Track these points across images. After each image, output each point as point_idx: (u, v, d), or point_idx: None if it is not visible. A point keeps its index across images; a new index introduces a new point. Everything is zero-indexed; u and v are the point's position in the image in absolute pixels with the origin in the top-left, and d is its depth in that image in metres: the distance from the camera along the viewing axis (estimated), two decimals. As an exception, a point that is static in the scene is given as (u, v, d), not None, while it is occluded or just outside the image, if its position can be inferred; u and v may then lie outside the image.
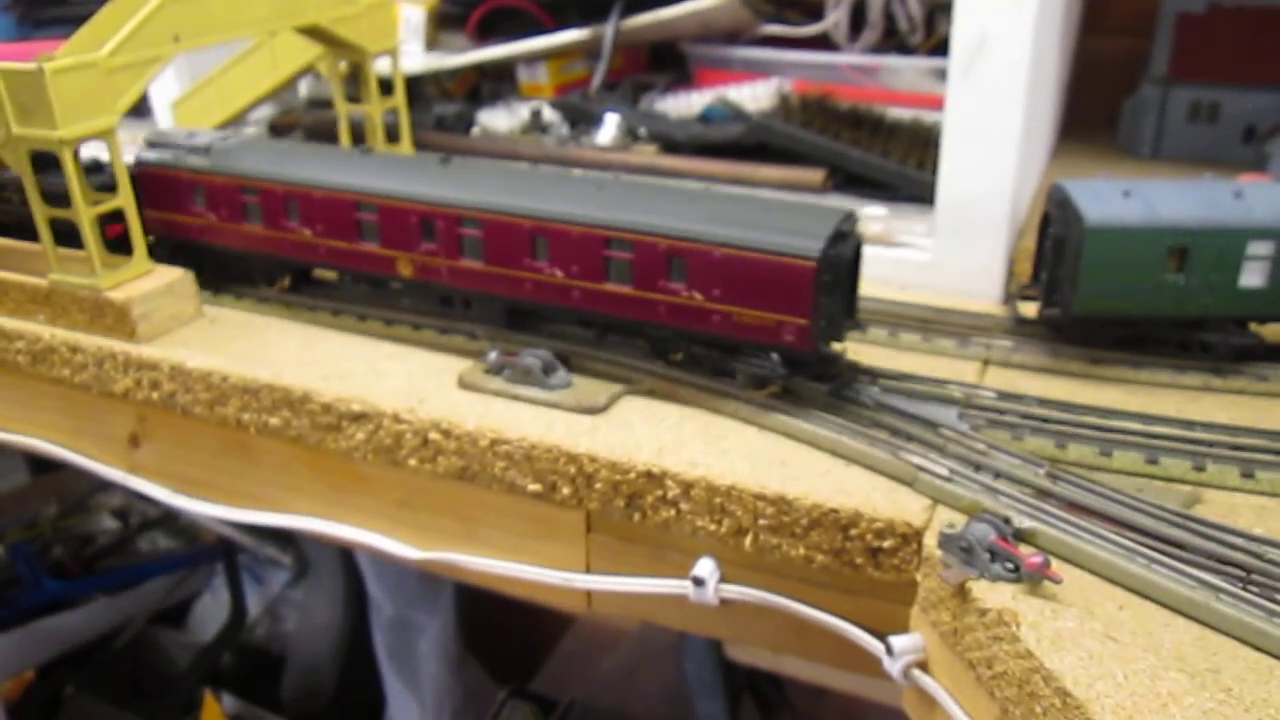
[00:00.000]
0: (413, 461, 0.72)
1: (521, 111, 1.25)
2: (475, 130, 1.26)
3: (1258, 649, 0.49)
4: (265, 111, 1.36)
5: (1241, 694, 0.46)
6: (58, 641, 1.73)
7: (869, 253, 0.92)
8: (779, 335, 0.67)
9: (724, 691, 1.53)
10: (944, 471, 0.61)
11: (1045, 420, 0.67)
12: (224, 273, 0.90)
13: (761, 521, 0.62)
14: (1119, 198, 0.72)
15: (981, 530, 0.54)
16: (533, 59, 1.31)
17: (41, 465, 1.89)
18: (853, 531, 0.60)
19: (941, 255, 0.89)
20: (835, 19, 1.22)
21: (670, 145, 1.15)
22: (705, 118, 1.18)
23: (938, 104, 0.87)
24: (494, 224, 0.74)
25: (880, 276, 0.92)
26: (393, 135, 1.09)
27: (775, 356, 0.70)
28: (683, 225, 0.68)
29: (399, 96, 1.07)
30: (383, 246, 0.80)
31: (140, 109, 1.26)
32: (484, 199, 0.75)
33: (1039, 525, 0.56)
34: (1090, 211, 0.70)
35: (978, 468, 0.62)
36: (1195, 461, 0.63)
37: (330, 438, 0.75)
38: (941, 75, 0.99)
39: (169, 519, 1.94)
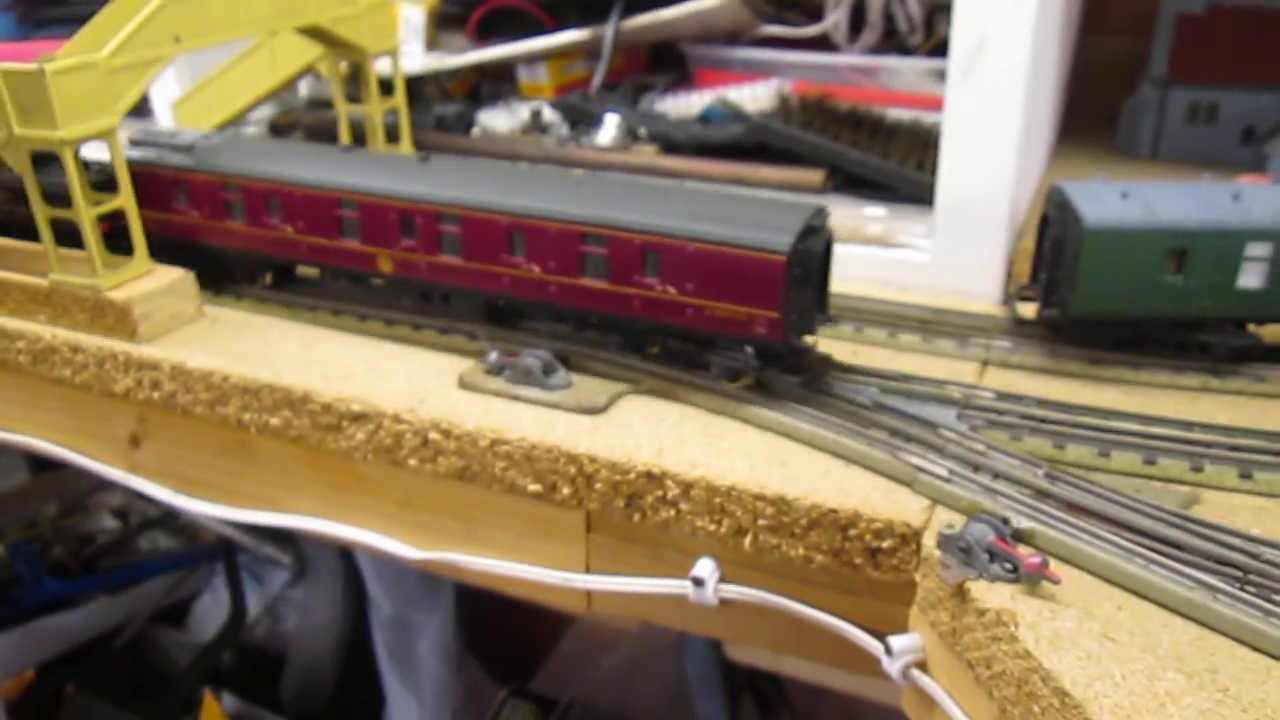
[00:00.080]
0: (413, 461, 0.72)
1: (522, 112, 1.25)
2: (475, 130, 1.26)
3: (1255, 649, 0.49)
4: (266, 112, 1.36)
5: (1239, 694, 0.46)
6: (58, 640, 1.73)
7: (868, 254, 0.93)
8: (751, 328, 0.68)
9: (724, 691, 1.54)
10: (943, 472, 0.62)
11: (1044, 421, 0.68)
12: (207, 270, 0.90)
13: (761, 522, 0.62)
14: (1117, 199, 0.72)
15: (980, 531, 0.54)
16: (533, 59, 1.31)
17: (41, 465, 1.89)
18: (852, 532, 0.60)
19: (941, 256, 0.89)
20: (835, 20, 1.22)
21: (670, 146, 1.15)
22: (705, 118, 1.18)
23: (937, 105, 0.87)
24: (472, 220, 0.76)
25: (880, 277, 0.92)
26: (393, 135, 1.09)
27: (749, 350, 0.71)
28: (656, 221, 0.69)
29: (399, 97, 1.07)
30: (363, 243, 0.81)
31: (141, 109, 1.26)
32: (462, 196, 0.76)
33: (1037, 526, 0.57)
34: (1089, 213, 0.71)
35: (976, 468, 0.62)
36: (1193, 462, 0.63)
37: (331, 438, 0.75)
38: (941, 76, 0.99)
39: (169, 518, 1.94)
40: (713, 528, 0.64)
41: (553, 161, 1.15)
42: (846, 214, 0.97)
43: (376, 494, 0.79)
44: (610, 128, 1.18)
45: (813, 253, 0.67)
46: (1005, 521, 0.56)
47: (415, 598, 1.72)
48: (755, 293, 0.67)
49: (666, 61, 1.43)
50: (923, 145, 1.04)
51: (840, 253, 0.94)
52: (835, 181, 1.05)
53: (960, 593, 0.54)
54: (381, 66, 1.05)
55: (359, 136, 1.08)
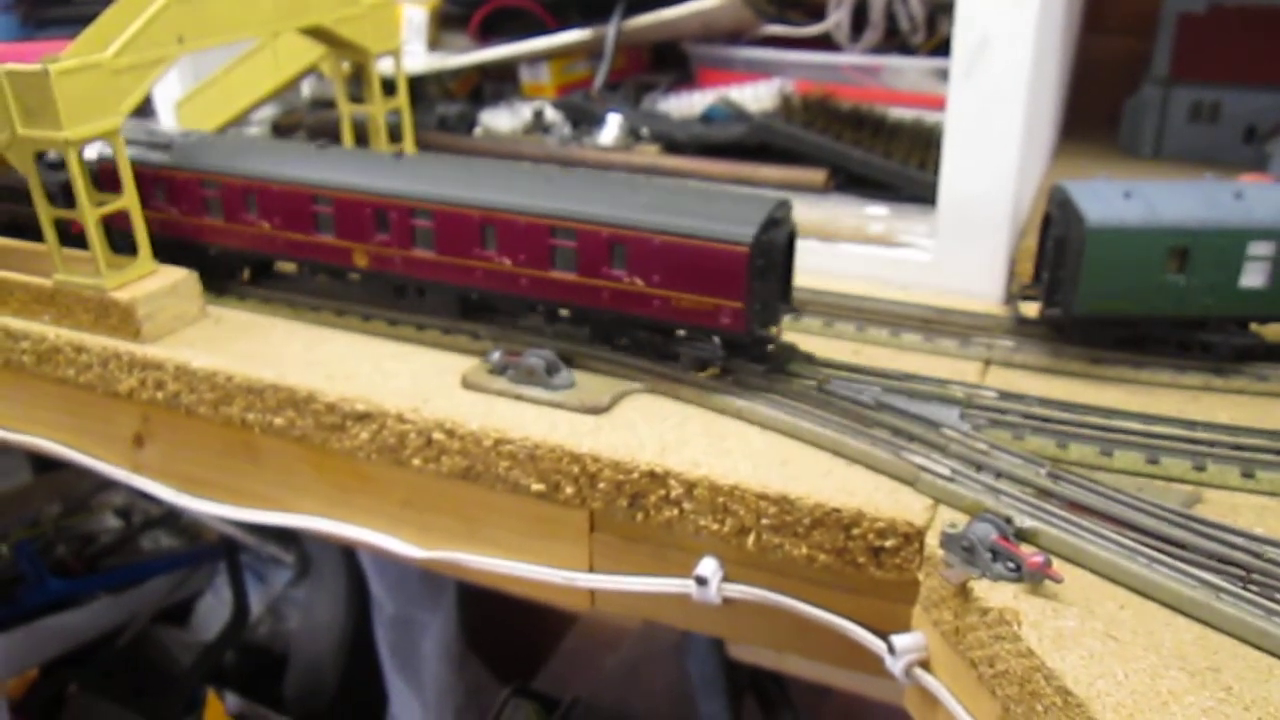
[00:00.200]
0: (416, 461, 0.72)
1: (524, 112, 1.25)
2: (478, 130, 1.26)
3: (1258, 648, 0.49)
4: (268, 112, 1.36)
5: (1241, 693, 0.46)
6: (61, 640, 1.73)
7: (871, 253, 0.93)
8: (716, 319, 0.69)
9: (726, 690, 1.54)
10: (946, 471, 0.62)
11: (1046, 420, 0.68)
12: (185, 265, 0.90)
13: (764, 521, 0.62)
14: (1120, 198, 0.72)
15: (983, 530, 0.55)
16: (535, 59, 1.31)
17: (44, 464, 1.89)
18: (855, 531, 0.60)
19: (943, 255, 0.89)
20: (837, 19, 1.22)
21: (672, 145, 1.15)
22: (707, 118, 1.18)
23: (939, 104, 0.87)
24: (444, 215, 0.77)
25: (882, 276, 0.92)
26: (395, 135, 1.09)
27: (716, 340, 0.72)
28: (623, 214, 0.71)
29: (402, 97, 1.07)
30: (339, 238, 0.82)
31: (143, 109, 1.27)
32: (435, 191, 0.77)
33: (1040, 525, 0.57)
34: (1091, 212, 0.71)
35: (979, 467, 0.63)
36: (1196, 461, 0.63)
37: (334, 438, 0.75)
38: (943, 76, 0.99)
39: (171, 518, 1.94)
40: (716, 527, 0.64)
41: (555, 161, 1.15)
42: (849, 213, 0.97)
43: (380, 494, 0.79)
44: (612, 127, 1.18)
45: (775, 244, 0.69)
46: (1008, 520, 0.56)
47: (418, 597, 1.72)
48: (719, 284, 0.68)
49: (669, 61, 1.43)
50: (925, 145, 1.04)
51: (842, 252, 0.95)
52: (837, 181, 1.05)
53: (963, 592, 0.54)
54: (384, 66, 1.05)
55: (362, 136, 1.08)
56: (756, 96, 1.20)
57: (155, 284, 0.83)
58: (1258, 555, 0.54)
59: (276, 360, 0.79)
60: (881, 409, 0.69)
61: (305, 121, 1.33)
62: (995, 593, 0.53)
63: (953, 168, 0.86)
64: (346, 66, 1.07)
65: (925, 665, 0.60)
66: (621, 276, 0.72)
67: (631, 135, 1.19)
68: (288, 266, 0.93)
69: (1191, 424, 0.67)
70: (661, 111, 1.23)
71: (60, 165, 0.84)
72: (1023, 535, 0.57)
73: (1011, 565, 0.54)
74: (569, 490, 0.68)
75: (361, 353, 0.81)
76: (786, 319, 0.84)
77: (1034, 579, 0.53)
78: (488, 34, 1.35)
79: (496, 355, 0.75)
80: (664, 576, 0.70)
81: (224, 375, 0.77)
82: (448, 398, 0.73)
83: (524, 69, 1.33)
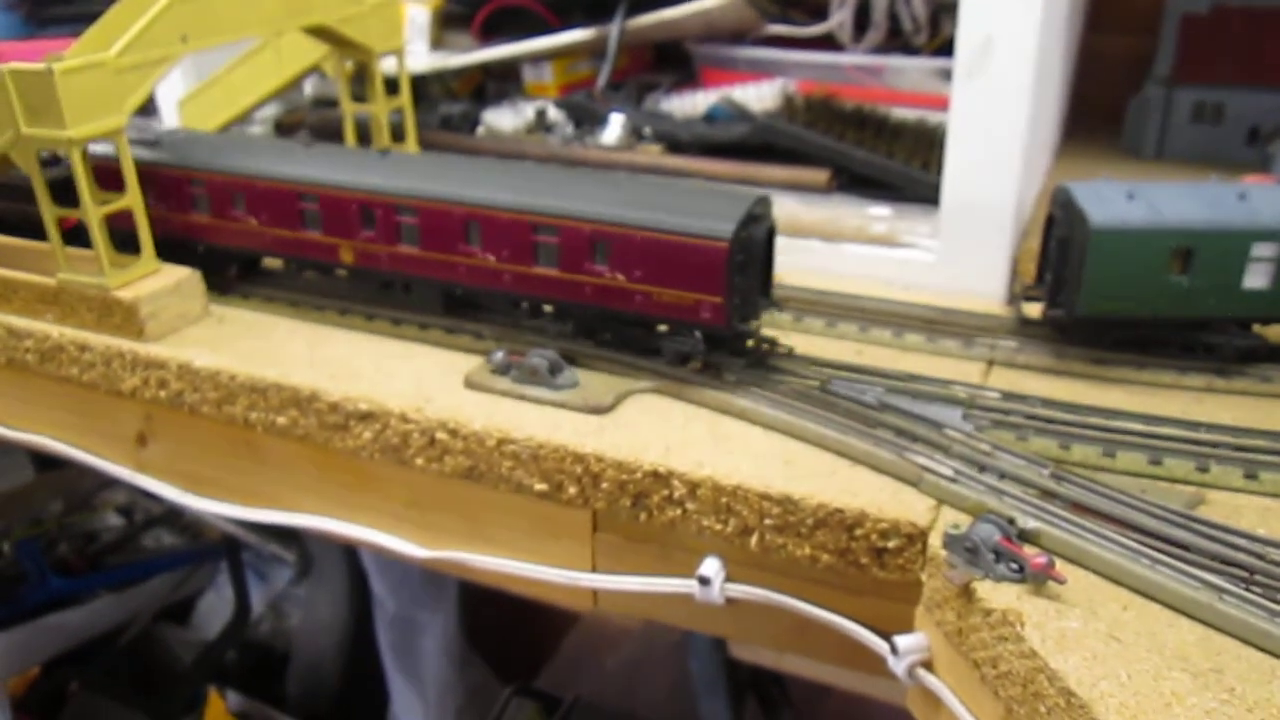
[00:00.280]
0: (420, 461, 0.73)
1: (527, 111, 1.25)
2: (481, 130, 1.26)
3: (1261, 649, 0.49)
4: (271, 111, 1.36)
5: (1244, 694, 0.46)
6: (63, 638, 1.73)
7: (873, 253, 0.94)
8: (697, 313, 0.70)
9: (728, 690, 1.54)
10: (949, 472, 0.62)
11: (1049, 421, 0.68)
12: (172, 261, 0.90)
13: (767, 521, 0.62)
14: (1123, 199, 0.72)
15: (986, 531, 0.55)
16: (538, 59, 1.31)
17: (46, 463, 1.89)
18: (858, 531, 0.60)
19: (946, 256, 0.89)
20: (840, 19, 1.22)
21: (675, 145, 1.15)
22: (710, 118, 1.18)
23: (942, 105, 0.87)
24: (429, 211, 0.78)
25: (885, 277, 0.92)
26: (398, 135, 1.09)
27: (697, 334, 0.73)
28: (605, 210, 0.72)
29: (404, 96, 1.07)
30: (325, 234, 0.83)
31: (146, 108, 1.27)
32: (419, 188, 0.78)
33: (1043, 526, 0.57)
34: (1094, 213, 0.71)
35: (982, 468, 0.63)
36: (1199, 462, 0.63)
37: (337, 437, 0.75)
38: (946, 76, 0.99)
39: (173, 516, 1.94)
40: (719, 527, 0.64)
41: (558, 161, 1.15)
42: (851, 214, 0.97)
43: (383, 493, 0.79)
44: (615, 127, 1.18)
45: (755, 240, 0.70)
46: (1011, 521, 0.56)
47: (419, 596, 1.72)
48: (700, 279, 0.69)
49: (671, 61, 1.43)
50: (928, 145, 1.04)
51: (845, 252, 0.95)
52: (840, 181, 1.05)
53: (966, 592, 0.54)
54: (387, 66, 1.05)
55: (365, 136, 1.08)
56: (759, 96, 1.20)
57: (158, 283, 0.83)
58: (1261, 557, 0.54)
59: (279, 359, 0.79)
60: (884, 409, 0.69)
61: (308, 121, 1.33)
62: (998, 593, 0.53)
63: (956, 168, 0.86)
64: (349, 66, 1.07)
65: (928, 666, 0.60)
66: (604, 272, 0.73)
67: (634, 135, 1.19)
68: (274, 263, 0.94)
69: (1194, 425, 0.67)
70: (664, 111, 1.23)
71: (51, 162, 0.84)
72: (1025, 536, 0.57)
73: (1014, 566, 0.54)
74: (572, 490, 0.68)
75: (364, 352, 0.81)
76: (788, 320, 0.85)
77: (1037, 580, 0.53)
78: (490, 33, 1.35)
79: (500, 355, 0.75)
80: (667, 576, 0.70)
81: (227, 374, 0.77)
82: (451, 397, 0.73)
83: (527, 68, 1.33)
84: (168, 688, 1.71)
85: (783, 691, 1.58)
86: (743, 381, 0.72)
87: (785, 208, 1.00)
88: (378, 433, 0.73)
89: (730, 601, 0.67)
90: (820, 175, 1.05)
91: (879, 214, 0.97)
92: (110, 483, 1.81)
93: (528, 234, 0.74)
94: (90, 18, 0.77)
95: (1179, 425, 0.67)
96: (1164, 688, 0.46)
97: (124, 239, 0.83)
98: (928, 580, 0.58)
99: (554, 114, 1.25)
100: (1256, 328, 0.75)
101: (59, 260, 0.83)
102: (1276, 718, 0.45)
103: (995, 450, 0.64)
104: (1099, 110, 1.32)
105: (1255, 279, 0.71)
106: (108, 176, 0.82)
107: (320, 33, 0.98)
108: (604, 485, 0.67)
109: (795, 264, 0.95)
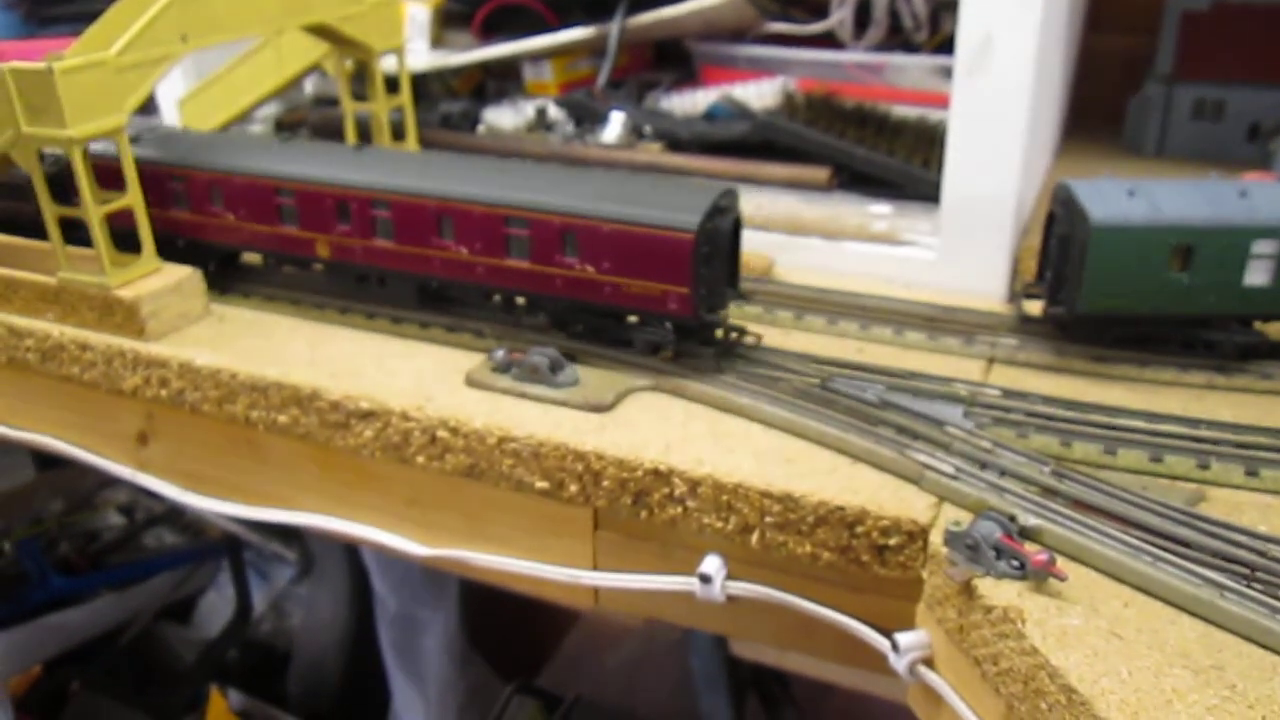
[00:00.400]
0: (421, 459, 0.73)
1: (527, 109, 1.25)
2: (481, 128, 1.26)
3: (1262, 646, 0.49)
4: (271, 109, 1.36)
5: (1245, 691, 0.46)
6: (64, 637, 1.73)
7: (874, 251, 0.93)
8: (664, 304, 0.72)
9: (729, 688, 1.54)
10: (950, 469, 0.62)
11: (1050, 418, 0.68)
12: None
13: (768, 519, 0.62)
14: (1124, 197, 0.72)
15: (987, 528, 0.55)
16: (538, 57, 1.31)
17: (47, 462, 1.89)
18: (859, 529, 0.60)
19: (946, 254, 0.89)
20: (840, 17, 1.22)
21: (675, 143, 1.15)
22: (710, 116, 1.18)
23: (943, 102, 0.87)
24: (402, 205, 0.79)
25: (885, 275, 0.92)
26: (399, 133, 1.09)
27: (667, 325, 0.74)
28: (574, 203, 0.73)
29: (405, 94, 1.07)
30: (302, 229, 0.84)
31: (147, 107, 1.27)
32: (393, 182, 0.79)
33: (1044, 523, 0.57)
34: (1095, 210, 0.71)
35: (983, 465, 0.63)
36: (1200, 459, 0.63)
37: (338, 435, 0.75)
38: (947, 73, 0.99)
39: (174, 515, 1.94)
40: (720, 525, 0.64)
41: (558, 159, 1.15)
42: (852, 211, 0.97)
43: (384, 491, 0.79)
44: (615, 125, 1.18)
45: (720, 231, 0.71)
46: (1012, 519, 0.56)
47: (420, 595, 1.72)
48: (666, 270, 0.70)
49: (672, 59, 1.43)
50: (928, 143, 1.04)
51: (846, 250, 0.95)
52: (841, 179, 1.05)
53: (967, 590, 0.54)
54: (387, 64, 1.05)
55: (365, 134, 1.08)
56: (759, 94, 1.19)
57: (159, 282, 0.83)
58: (1262, 553, 0.54)
59: (280, 358, 0.79)
60: (885, 407, 0.69)
61: (308, 119, 1.33)
62: (999, 591, 0.53)
63: (956, 166, 0.86)
64: (350, 64, 1.07)
65: (929, 663, 0.60)
66: (574, 264, 0.74)
67: (634, 133, 1.19)
68: (253, 259, 0.95)
69: (1195, 422, 0.67)
70: (664, 109, 1.23)
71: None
72: (1027, 533, 0.57)
73: (1016, 563, 0.54)
74: (573, 488, 0.68)
75: (365, 351, 0.81)
76: (789, 317, 0.85)
77: (1038, 577, 0.53)
78: (490, 32, 1.35)
79: (500, 353, 0.75)
80: (668, 574, 0.70)
81: (228, 373, 0.77)
82: (452, 396, 0.73)
83: (527, 67, 1.33)
84: (169, 687, 1.72)
85: (785, 689, 1.58)
86: (742, 378, 0.72)
87: (786, 205, 1.00)
88: (379, 431, 0.73)
89: (731, 599, 0.67)
90: (821, 173, 1.05)
91: (880, 212, 0.97)
92: (111, 482, 1.82)
93: (499, 227, 0.75)
94: (90, 17, 0.77)
95: (1180, 422, 0.67)
96: (1165, 684, 0.46)
97: (124, 238, 0.83)
98: (929, 577, 0.58)
99: (554, 112, 1.25)
100: (1257, 325, 0.75)
101: (60, 259, 0.83)
102: (1278, 715, 0.45)
103: (996, 447, 0.64)
104: (1099, 109, 1.32)
105: (1256, 276, 0.72)
106: (107, 175, 0.82)
107: (320, 31, 0.98)
108: (605, 483, 0.67)
109: (796, 262, 0.95)
